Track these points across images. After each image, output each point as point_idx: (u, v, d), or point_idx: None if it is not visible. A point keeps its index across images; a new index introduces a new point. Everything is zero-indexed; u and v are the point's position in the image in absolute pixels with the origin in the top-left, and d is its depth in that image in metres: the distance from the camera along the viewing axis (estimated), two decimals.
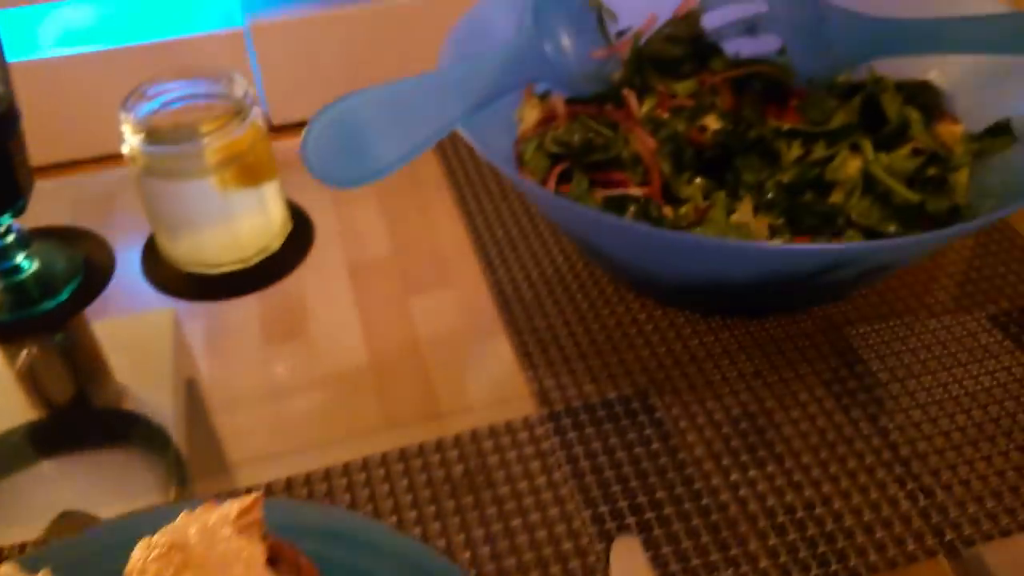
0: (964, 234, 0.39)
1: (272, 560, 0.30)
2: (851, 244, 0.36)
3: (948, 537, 0.38)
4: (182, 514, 0.31)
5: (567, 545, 0.38)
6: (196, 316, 0.51)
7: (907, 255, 0.41)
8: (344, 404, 0.46)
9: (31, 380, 0.49)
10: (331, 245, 0.55)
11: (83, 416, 0.48)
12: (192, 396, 0.48)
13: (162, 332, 0.51)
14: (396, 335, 0.49)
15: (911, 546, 0.38)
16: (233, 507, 0.31)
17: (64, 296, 0.51)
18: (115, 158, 0.61)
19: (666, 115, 0.55)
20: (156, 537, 0.30)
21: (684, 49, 0.58)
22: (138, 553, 0.30)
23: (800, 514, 0.39)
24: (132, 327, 0.52)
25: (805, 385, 0.45)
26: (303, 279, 0.53)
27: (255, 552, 0.29)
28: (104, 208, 0.60)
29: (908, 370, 0.45)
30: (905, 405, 0.43)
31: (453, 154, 0.62)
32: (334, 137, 0.38)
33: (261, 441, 0.44)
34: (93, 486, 0.44)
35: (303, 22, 1.42)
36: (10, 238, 0.50)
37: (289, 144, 0.61)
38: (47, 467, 0.46)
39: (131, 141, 0.48)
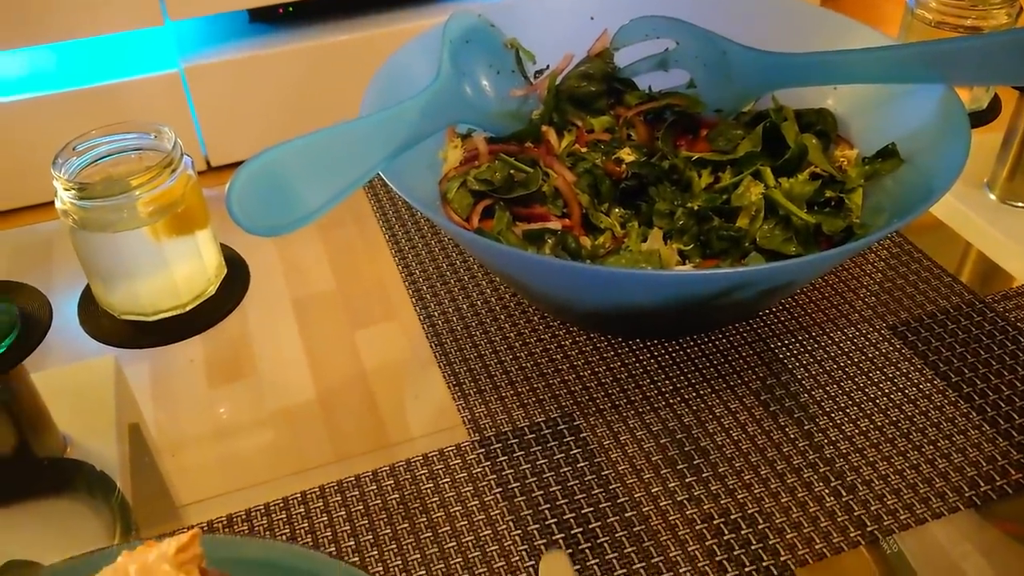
0: (841, 257, 0.42)
1: None
2: (736, 270, 0.39)
3: (869, 528, 0.41)
4: (122, 554, 0.32)
5: (499, 563, 0.40)
6: (139, 361, 0.53)
7: (795, 276, 0.44)
8: (292, 440, 0.47)
9: None
10: (273, 283, 0.57)
11: (27, 466, 0.48)
12: (137, 441, 0.49)
13: (104, 380, 0.52)
14: (341, 369, 0.51)
15: (836, 538, 0.40)
16: (171, 544, 0.32)
17: (1, 350, 0.52)
18: (52, 205, 0.62)
19: (584, 149, 0.58)
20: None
21: (599, 86, 0.61)
22: None
23: (717, 520, 0.41)
24: (73, 376, 0.53)
25: (721, 399, 0.47)
26: (247, 318, 0.55)
27: None
28: (40, 259, 0.60)
29: (828, 377, 0.48)
30: (827, 409, 0.47)
31: (384, 192, 0.64)
32: (258, 187, 0.40)
33: (208, 482, 0.45)
34: (38, 535, 0.45)
35: (236, 63, 1.44)
36: None
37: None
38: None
39: (63, 196, 0.49)
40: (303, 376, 0.51)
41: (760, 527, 0.41)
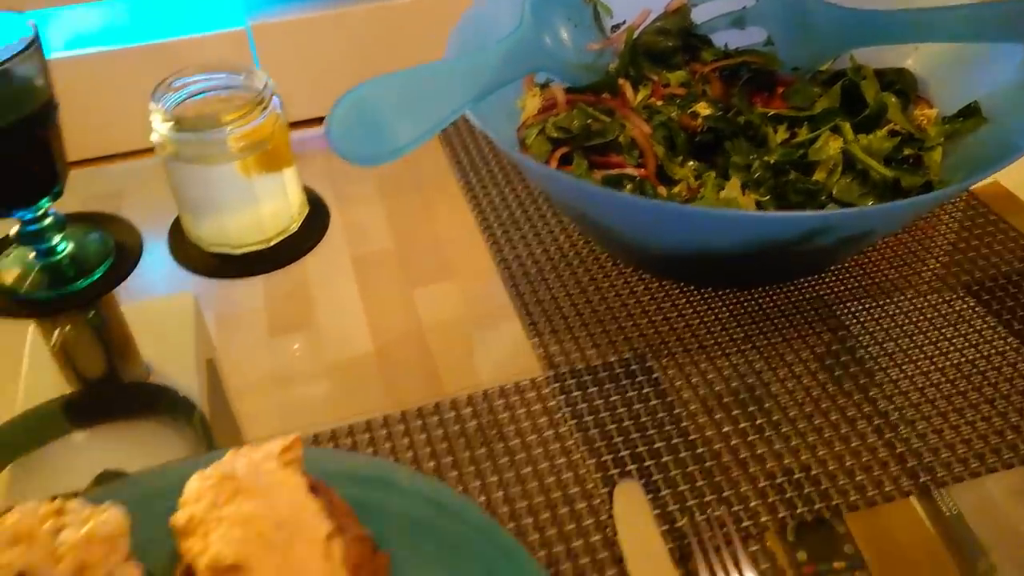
0: (922, 206, 0.42)
1: (311, 490, 0.33)
2: (820, 213, 0.40)
3: (922, 479, 0.41)
4: (229, 452, 0.34)
5: (574, 489, 0.41)
6: (215, 298, 0.54)
7: (877, 223, 0.44)
8: (357, 383, 0.48)
9: (65, 355, 0.52)
10: (338, 237, 0.58)
11: (114, 389, 0.51)
12: (212, 375, 0.51)
13: (184, 314, 0.54)
14: (428, 309, 0.52)
15: (888, 487, 0.41)
16: (276, 445, 0.34)
17: (96, 276, 0.55)
18: (132, 154, 0.64)
19: (659, 103, 0.58)
20: (208, 470, 0.33)
21: (676, 41, 0.61)
22: (193, 484, 0.33)
23: (788, 460, 0.42)
24: (156, 309, 0.55)
25: (792, 348, 0.48)
26: (324, 260, 0.56)
27: (298, 482, 0.33)
28: (131, 196, 0.63)
29: (900, 331, 0.49)
30: (886, 365, 0.47)
31: (459, 144, 0.65)
32: (354, 119, 0.41)
33: (279, 416, 0.47)
34: (126, 453, 0.47)
35: (303, 21, 1.45)
36: (47, 221, 0.53)
37: (295, 139, 0.63)
38: (83, 436, 0.48)
39: (160, 129, 0.51)
40: (381, 317, 0.52)
41: (830, 469, 0.42)
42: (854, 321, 0.49)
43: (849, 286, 0.52)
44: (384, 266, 0.56)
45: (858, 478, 0.41)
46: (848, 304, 0.50)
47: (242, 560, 0.29)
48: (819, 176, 0.51)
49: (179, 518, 0.32)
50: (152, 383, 0.52)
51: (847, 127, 0.52)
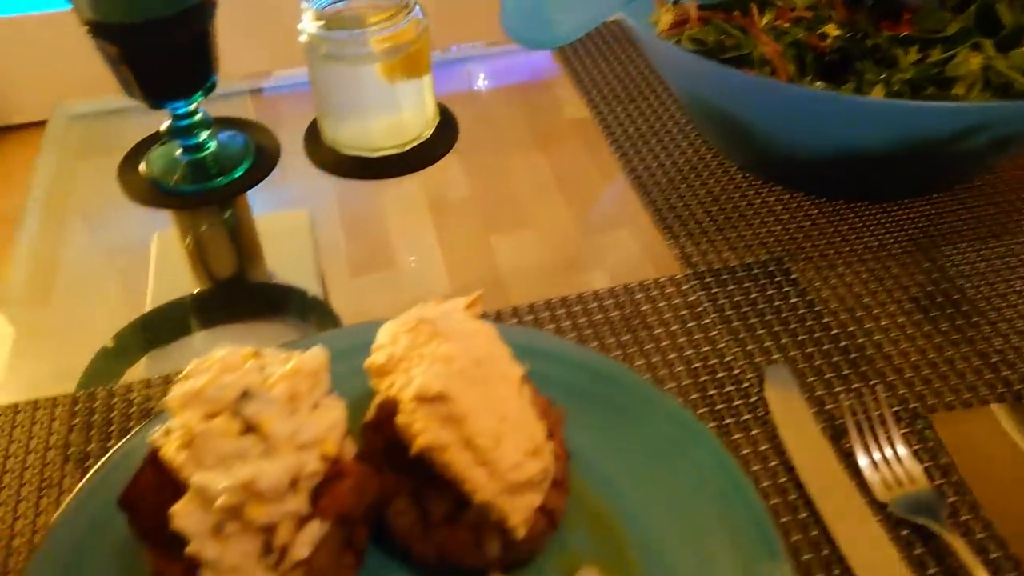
0: None
1: None
2: (988, 104, 0.40)
3: (1016, 387, 0.42)
4: (418, 304, 0.36)
5: (721, 373, 0.42)
6: (331, 216, 0.56)
7: None
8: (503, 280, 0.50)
9: (199, 251, 0.54)
10: (479, 137, 0.60)
11: (247, 287, 0.52)
12: (325, 289, 0.52)
13: (302, 231, 0.56)
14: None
15: (983, 392, 0.42)
16: (460, 301, 0.36)
17: (237, 174, 0.57)
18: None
19: (787, 25, 0.59)
20: (402, 318, 0.35)
21: None
22: (387, 329, 0.35)
23: (932, 355, 0.43)
24: (274, 224, 0.57)
25: (928, 256, 0.49)
26: (458, 165, 0.58)
27: (490, 329, 0.34)
28: (268, 108, 0.64)
29: (990, 263, 0.49)
30: (979, 280, 0.48)
31: (580, 66, 0.66)
32: (524, 6, 0.42)
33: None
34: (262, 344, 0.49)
35: None
36: (198, 117, 0.55)
37: None
38: (214, 331, 0.50)
39: (309, 28, 0.53)
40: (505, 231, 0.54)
41: (974, 364, 0.43)
42: (992, 233, 0.50)
43: (980, 202, 0.52)
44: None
45: (952, 382, 0.42)
46: (984, 218, 0.51)
47: (447, 391, 0.31)
48: (958, 91, 0.51)
49: (377, 359, 0.34)
50: (280, 283, 0.53)
51: (988, 43, 0.52)
